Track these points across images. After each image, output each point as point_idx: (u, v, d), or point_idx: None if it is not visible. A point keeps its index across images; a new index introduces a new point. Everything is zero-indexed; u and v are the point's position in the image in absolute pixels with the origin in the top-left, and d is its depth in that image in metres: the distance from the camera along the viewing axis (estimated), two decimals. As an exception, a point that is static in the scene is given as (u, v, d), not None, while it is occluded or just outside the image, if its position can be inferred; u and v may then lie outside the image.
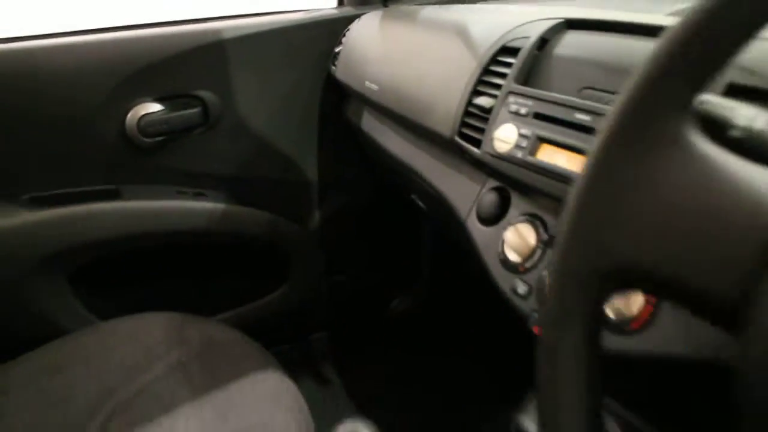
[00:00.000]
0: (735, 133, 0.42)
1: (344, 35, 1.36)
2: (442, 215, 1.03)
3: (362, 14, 1.39)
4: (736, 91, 0.56)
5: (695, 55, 0.37)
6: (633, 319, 0.61)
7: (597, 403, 0.44)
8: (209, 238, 1.46)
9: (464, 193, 0.91)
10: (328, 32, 1.41)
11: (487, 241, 0.84)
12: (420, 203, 1.28)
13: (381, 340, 1.78)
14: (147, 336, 1.13)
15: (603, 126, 0.40)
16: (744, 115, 0.43)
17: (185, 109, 1.32)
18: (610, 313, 0.63)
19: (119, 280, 1.45)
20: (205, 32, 1.31)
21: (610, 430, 0.82)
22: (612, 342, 0.62)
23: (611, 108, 0.40)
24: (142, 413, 0.96)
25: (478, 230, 0.87)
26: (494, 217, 0.84)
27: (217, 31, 1.31)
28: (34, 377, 1.07)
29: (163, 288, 1.49)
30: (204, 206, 1.42)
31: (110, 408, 0.98)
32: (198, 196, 1.42)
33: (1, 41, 1.20)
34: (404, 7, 1.35)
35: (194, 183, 1.41)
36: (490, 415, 1.41)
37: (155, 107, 1.29)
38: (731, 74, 0.57)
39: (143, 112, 1.28)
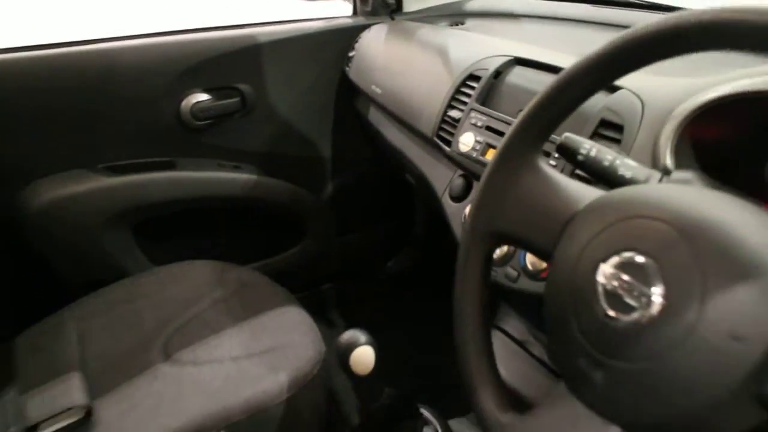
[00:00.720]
0: (580, 158, 0.71)
1: (356, 41, 1.62)
2: (425, 192, 1.30)
3: (372, 24, 1.65)
4: (605, 124, 0.83)
5: (538, 125, 0.66)
6: (542, 270, 0.89)
7: (487, 316, 0.72)
8: (243, 203, 1.71)
9: (440, 177, 1.19)
10: (343, 38, 1.66)
11: (456, 213, 1.12)
12: (411, 180, 1.56)
13: (380, 292, 2.03)
14: (195, 278, 1.39)
15: (498, 148, 0.69)
16: (585, 146, 0.71)
17: (227, 98, 1.59)
18: (529, 266, 0.91)
19: (172, 234, 1.70)
20: (244, 36, 1.58)
21: None
22: (530, 285, 0.90)
23: (502, 139, 0.69)
24: (194, 334, 1.21)
25: (449, 205, 1.15)
26: (461, 196, 1.12)
27: (253, 36, 1.58)
28: (109, 307, 1.33)
29: (206, 241, 1.73)
30: (239, 177, 1.68)
31: (170, 330, 1.24)
32: (235, 168, 1.68)
33: (87, 42, 1.47)
34: (406, 23, 1.60)
35: (232, 158, 1.67)
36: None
37: (204, 96, 1.56)
38: (604, 113, 0.84)
39: (194, 101, 1.55)
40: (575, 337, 0.54)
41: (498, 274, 0.93)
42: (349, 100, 1.72)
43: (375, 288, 2.06)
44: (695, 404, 0.46)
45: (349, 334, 0.94)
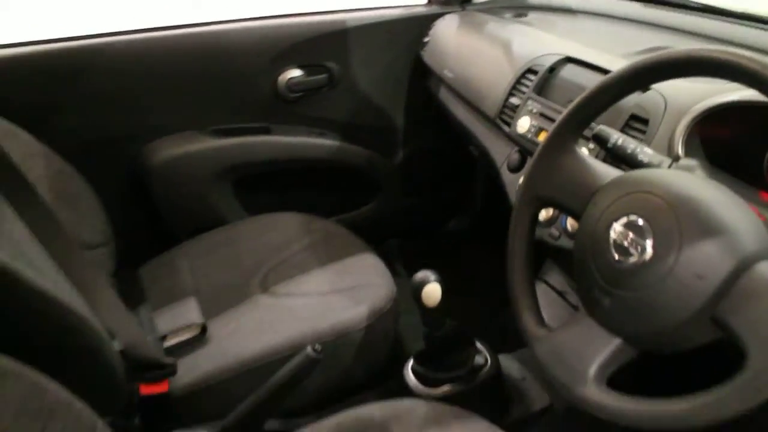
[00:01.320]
0: (609, 145, 0.91)
1: (431, 28, 1.82)
2: (486, 163, 1.51)
3: (445, 13, 1.84)
4: (634, 117, 1.03)
5: (580, 118, 0.87)
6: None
7: (531, 261, 0.94)
8: (326, 164, 1.93)
9: (500, 152, 1.40)
10: (419, 24, 1.86)
11: (511, 182, 1.34)
12: (474, 152, 1.76)
13: (439, 248, 2.23)
14: (285, 227, 1.61)
15: (548, 133, 0.91)
16: (614, 136, 0.92)
17: (317, 74, 1.81)
18: (569, 227, 1.12)
19: (265, 189, 1.93)
20: (333, 21, 1.79)
21: None
22: (568, 243, 1.10)
23: (552, 126, 0.90)
24: (287, 273, 1.44)
25: (506, 175, 1.36)
26: (516, 168, 1.33)
27: (342, 21, 1.79)
28: (211, 248, 1.57)
29: (294, 197, 1.95)
30: (324, 142, 1.91)
31: (266, 269, 1.46)
32: (320, 135, 1.91)
33: (203, 24, 1.71)
34: (475, 13, 1.79)
35: (319, 126, 1.90)
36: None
37: (297, 72, 1.79)
38: (635, 108, 1.03)
39: (289, 76, 1.78)
40: (592, 274, 0.76)
41: (543, 233, 1.14)
42: (421, 79, 1.92)
43: (435, 245, 2.24)
44: (670, 322, 0.68)
45: (423, 273, 1.16)
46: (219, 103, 1.79)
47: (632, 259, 0.71)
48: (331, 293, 1.38)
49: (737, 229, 0.67)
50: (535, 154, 0.91)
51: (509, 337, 1.55)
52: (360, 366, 1.33)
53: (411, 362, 1.32)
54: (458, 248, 2.16)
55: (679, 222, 0.69)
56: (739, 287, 0.65)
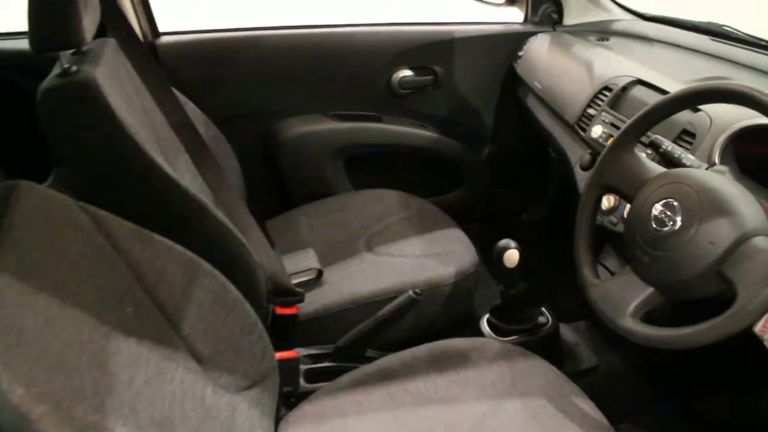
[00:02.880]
0: (661, 150, 1.18)
1: (525, 44, 2.08)
2: (562, 162, 1.77)
3: (538, 32, 2.10)
4: (685, 131, 1.28)
5: (640, 127, 1.14)
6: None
7: (591, 239, 1.21)
8: (423, 153, 2.21)
9: (574, 153, 1.66)
10: (515, 40, 2.11)
11: (582, 179, 1.59)
12: (552, 153, 2.02)
13: (513, 235, 2.46)
14: (386, 201, 1.89)
15: (614, 138, 1.18)
16: (665, 144, 1.17)
17: (424, 75, 2.10)
18: (626, 215, 1.37)
19: (371, 169, 2.21)
20: (442, 32, 2.07)
21: None
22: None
23: (618, 132, 1.17)
24: (388, 237, 1.72)
25: (578, 173, 1.61)
26: (587, 167, 1.58)
27: (449, 32, 2.07)
28: (325, 212, 1.87)
29: (395, 177, 2.21)
30: (424, 133, 2.19)
31: (369, 233, 1.75)
32: (421, 126, 2.19)
33: (331, 26, 2.01)
34: (564, 35, 2.04)
35: (421, 119, 2.19)
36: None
37: (408, 72, 2.08)
38: (686, 125, 1.27)
39: (401, 75, 2.07)
40: (637, 240, 1.03)
41: (605, 220, 1.39)
42: (511, 87, 2.18)
43: (511, 232, 2.44)
44: (689, 275, 0.95)
45: (505, 240, 1.44)
46: (341, 92, 2.09)
47: (666, 229, 0.98)
48: (424, 256, 1.66)
49: (742, 212, 0.93)
50: (604, 151, 1.18)
51: (569, 310, 1.80)
52: (445, 315, 1.60)
53: (487, 315, 1.60)
54: (531, 236, 2.39)
55: (701, 205, 0.95)
56: (738, 252, 0.91)
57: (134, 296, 0.96)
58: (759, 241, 0.91)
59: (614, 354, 1.79)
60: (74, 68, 1.07)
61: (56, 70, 1.08)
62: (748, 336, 0.90)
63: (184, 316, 1.04)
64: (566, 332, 1.78)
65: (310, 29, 1.99)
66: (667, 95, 1.11)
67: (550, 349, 1.50)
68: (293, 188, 2.14)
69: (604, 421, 1.14)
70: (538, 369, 1.26)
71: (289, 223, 1.86)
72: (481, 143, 2.31)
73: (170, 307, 1.02)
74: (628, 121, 1.16)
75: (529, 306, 1.55)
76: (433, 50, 2.09)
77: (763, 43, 1.61)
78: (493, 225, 2.48)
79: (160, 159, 1.14)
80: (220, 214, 1.25)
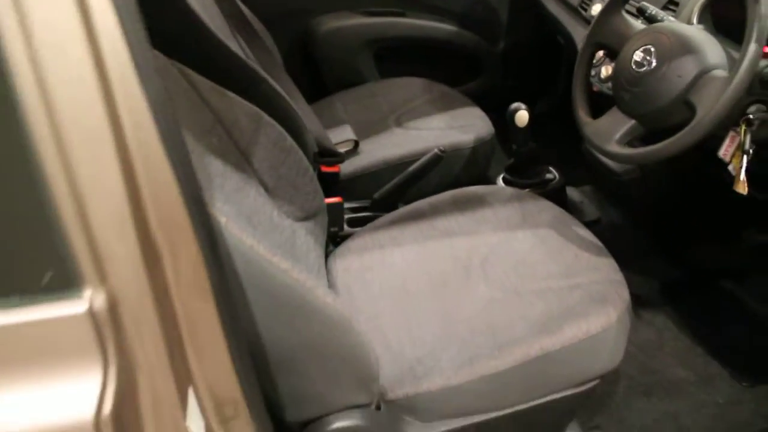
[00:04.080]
0: (646, 13, 1.37)
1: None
2: (569, 46, 1.95)
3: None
4: (670, 1, 1.47)
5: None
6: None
7: (585, 87, 1.43)
8: (444, 45, 2.40)
9: (579, 33, 1.84)
10: None
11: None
12: (561, 41, 2.20)
13: None
14: (412, 86, 2.10)
15: (602, 8, 1.37)
16: (650, 8, 1.37)
17: None
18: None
19: (397, 59, 2.40)
20: None
21: None
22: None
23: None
24: (414, 114, 1.93)
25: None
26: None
27: None
28: (358, 98, 2.08)
29: (419, 67, 2.35)
30: (444, 27, 2.37)
31: (398, 113, 1.97)
32: (441, 20, 2.37)
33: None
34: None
35: (441, 14, 2.37)
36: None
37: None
38: None
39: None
40: (621, 82, 1.24)
41: (603, 87, 1.57)
42: None
43: None
44: (663, 103, 1.16)
45: (516, 104, 1.65)
46: None
47: (643, 69, 1.19)
48: (446, 128, 1.88)
49: (705, 51, 1.14)
50: (597, 14, 1.38)
51: (577, 177, 2.02)
52: (466, 175, 1.83)
53: (503, 174, 1.83)
54: (543, 126, 2.61)
55: (672, 46, 1.16)
56: (700, 82, 1.12)
57: (217, 132, 1.19)
58: (717, 73, 1.12)
59: (615, 210, 2.02)
60: None
61: None
62: (723, 181, 1.11)
63: (253, 153, 1.28)
64: (572, 192, 2.01)
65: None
66: None
67: (558, 202, 1.72)
68: (328, 78, 2.35)
69: (600, 244, 1.36)
70: (546, 208, 1.48)
71: (326, 106, 2.08)
72: (497, 36, 2.48)
73: (242, 146, 1.25)
74: None
75: (538, 162, 1.77)
76: None
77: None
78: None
79: (221, 35, 1.35)
80: (273, 82, 1.47)
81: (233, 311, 0.71)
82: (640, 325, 1.74)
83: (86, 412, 0.61)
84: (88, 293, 0.60)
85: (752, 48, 1.04)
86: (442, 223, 1.47)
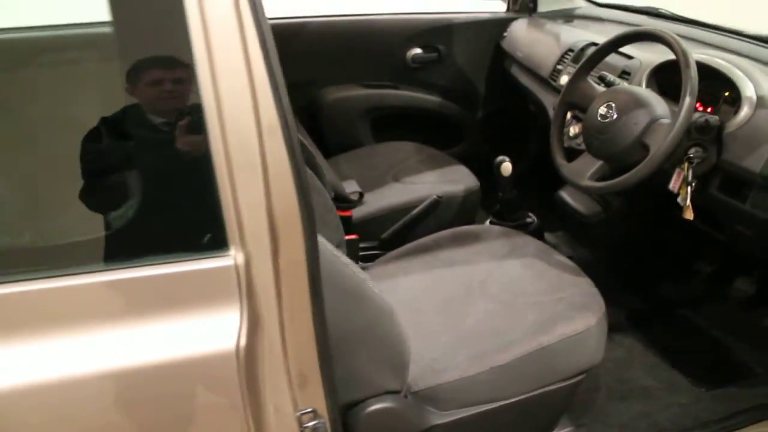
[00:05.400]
0: (607, 80, 1.68)
1: (509, 26, 2.57)
2: (539, 112, 2.26)
3: (519, 17, 2.60)
4: (624, 72, 1.78)
5: (590, 64, 1.65)
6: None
7: (561, 141, 1.72)
8: (429, 113, 2.69)
9: (548, 100, 2.15)
10: (501, 24, 2.60)
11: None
12: (531, 108, 2.52)
13: None
14: (404, 149, 2.36)
15: (574, 71, 1.68)
16: (609, 76, 1.68)
17: (431, 53, 2.59)
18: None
19: (391, 126, 2.67)
20: (444, 18, 2.56)
21: None
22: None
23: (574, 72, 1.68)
24: (409, 172, 2.20)
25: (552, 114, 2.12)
26: (558, 109, 2.09)
27: (449, 19, 2.56)
28: (357, 159, 2.34)
29: (409, 133, 2.61)
30: (430, 98, 2.67)
31: (394, 171, 2.22)
32: (429, 92, 2.67)
33: (358, 15, 2.51)
34: (539, 19, 2.53)
35: (429, 87, 2.67)
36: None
37: (419, 50, 2.57)
38: (624, 67, 1.78)
39: (414, 52, 2.57)
40: (590, 130, 1.53)
41: (572, 143, 1.85)
42: (498, 61, 2.67)
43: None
44: (623, 145, 1.46)
45: (501, 156, 1.94)
46: (368, 67, 2.59)
47: (607, 120, 1.48)
48: (439, 182, 2.15)
49: (653, 105, 1.44)
50: (568, 80, 1.69)
51: (551, 225, 2.29)
52: (459, 219, 2.09)
53: (490, 218, 2.10)
54: (521, 181, 2.78)
55: (628, 102, 1.46)
56: (651, 127, 1.41)
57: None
58: (663, 121, 1.42)
59: (584, 250, 2.30)
60: None
61: None
62: (674, 216, 1.39)
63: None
64: (548, 235, 2.29)
65: (342, 17, 2.49)
66: (605, 41, 1.62)
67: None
68: (330, 141, 2.61)
69: (577, 267, 1.62)
70: (529, 241, 1.75)
71: (332, 164, 2.33)
72: (476, 105, 2.79)
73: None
74: (583, 60, 1.67)
75: (520, 207, 2.05)
76: (438, 33, 2.59)
77: (687, 18, 2.12)
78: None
79: None
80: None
81: (319, 286, 0.94)
82: (613, 345, 1.99)
83: (230, 342, 0.85)
84: (232, 252, 0.85)
85: (687, 100, 1.34)
86: (444, 254, 1.72)
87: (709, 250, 2.08)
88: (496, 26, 2.64)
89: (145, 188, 0.87)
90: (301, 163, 0.87)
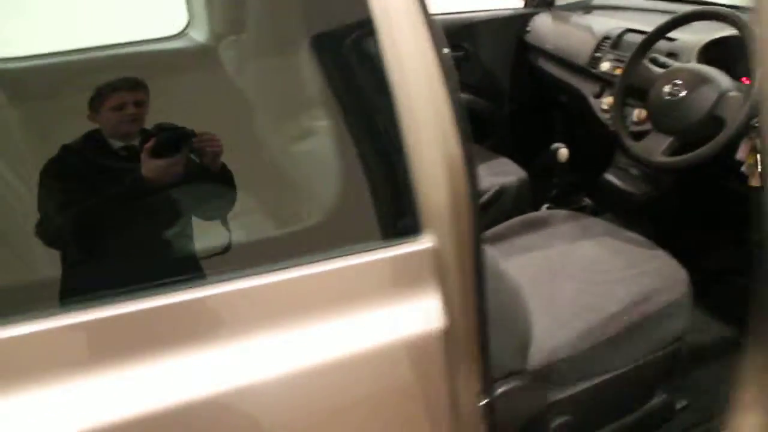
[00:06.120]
0: (659, 62, 1.77)
1: (530, 21, 2.65)
2: (574, 102, 2.34)
3: (537, 12, 2.69)
4: (670, 54, 1.87)
5: (644, 47, 1.74)
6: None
7: (623, 119, 1.81)
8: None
9: (587, 87, 2.23)
10: (521, 20, 2.69)
11: (596, 104, 2.18)
12: (563, 99, 2.60)
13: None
14: None
15: (632, 54, 1.77)
16: (661, 58, 1.77)
17: (458, 51, 2.63)
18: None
19: None
20: (470, 17, 2.62)
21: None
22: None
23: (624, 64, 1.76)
24: None
25: (593, 101, 2.17)
26: (599, 95, 2.16)
27: (475, 17, 2.63)
28: None
29: None
30: (462, 96, 2.73)
31: None
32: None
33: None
34: (558, 12, 2.62)
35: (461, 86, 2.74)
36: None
37: (446, 50, 2.64)
38: (672, 49, 1.88)
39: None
40: (659, 108, 1.62)
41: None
42: (522, 55, 2.75)
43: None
44: (695, 119, 1.54)
45: (556, 143, 2.01)
46: None
47: (676, 98, 1.57)
48: (490, 174, 2.20)
49: (719, 79, 1.52)
50: (626, 62, 1.77)
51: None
52: (515, 208, 2.13)
53: (546, 204, 2.17)
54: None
55: (695, 79, 1.54)
56: (722, 100, 1.50)
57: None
58: (731, 94, 1.50)
59: (634, 229, 2.39)
60: None
61: None
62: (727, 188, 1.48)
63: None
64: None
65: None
66: (666, 20, 1.71)
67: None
68: None
69: (649, 241, 1.69)
70: (597, 222, 1.84)
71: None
72: (501, 99, 2.85)
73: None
74: (640, 41, 1.75)
75: (579, 189, 2.13)
76: (464, 32, 2.65)
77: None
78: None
79: None
80: None
81: (482, 265, 1.00)
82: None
83: (435, 324, 0.91)
84: (426, 237, 0.91)
85: (761, 71, 1.43)
86: (520, 241, 1.78)
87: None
88: (518, 22, 2.72)
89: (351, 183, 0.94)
90: (470, 149, 0.93)
